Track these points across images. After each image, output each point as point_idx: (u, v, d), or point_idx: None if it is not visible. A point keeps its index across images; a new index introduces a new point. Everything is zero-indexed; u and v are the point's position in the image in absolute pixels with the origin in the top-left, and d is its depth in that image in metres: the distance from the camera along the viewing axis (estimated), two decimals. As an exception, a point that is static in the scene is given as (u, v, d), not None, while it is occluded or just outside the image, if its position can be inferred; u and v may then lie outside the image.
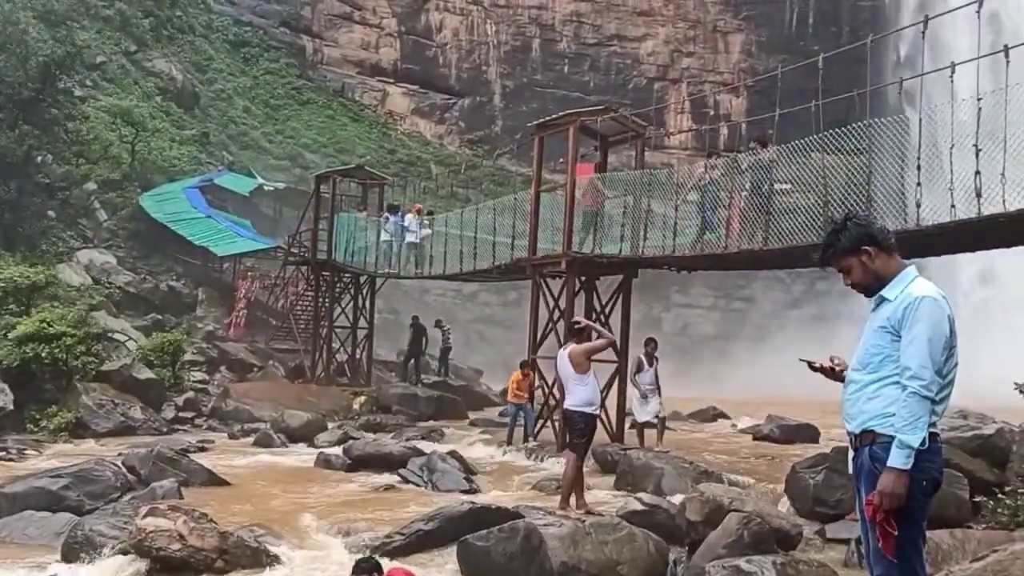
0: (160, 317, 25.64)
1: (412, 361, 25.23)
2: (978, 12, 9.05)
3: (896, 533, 3.60)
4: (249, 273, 32.09)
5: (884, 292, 3.83)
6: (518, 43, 50.46)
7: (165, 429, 17.41)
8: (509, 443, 15.96)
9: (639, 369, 14.33)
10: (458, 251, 20.65)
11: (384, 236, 22.93)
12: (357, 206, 26.85)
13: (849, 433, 3.88)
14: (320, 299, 26.82)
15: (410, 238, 21.99)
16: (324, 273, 26.69)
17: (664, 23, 50.07)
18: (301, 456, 14.99)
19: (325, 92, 48.65)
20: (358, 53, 49.71)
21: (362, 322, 26.53)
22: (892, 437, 3.63)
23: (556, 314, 16.29)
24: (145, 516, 7.52)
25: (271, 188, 37.23)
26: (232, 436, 17.61)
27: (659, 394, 14.41)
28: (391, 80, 50.03)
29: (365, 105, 49.52)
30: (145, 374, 18.42)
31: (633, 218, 15.12)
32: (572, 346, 9.36)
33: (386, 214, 23.42)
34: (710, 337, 44.51)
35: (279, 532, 8.55)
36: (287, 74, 47.91)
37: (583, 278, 16.38)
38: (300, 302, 28.99)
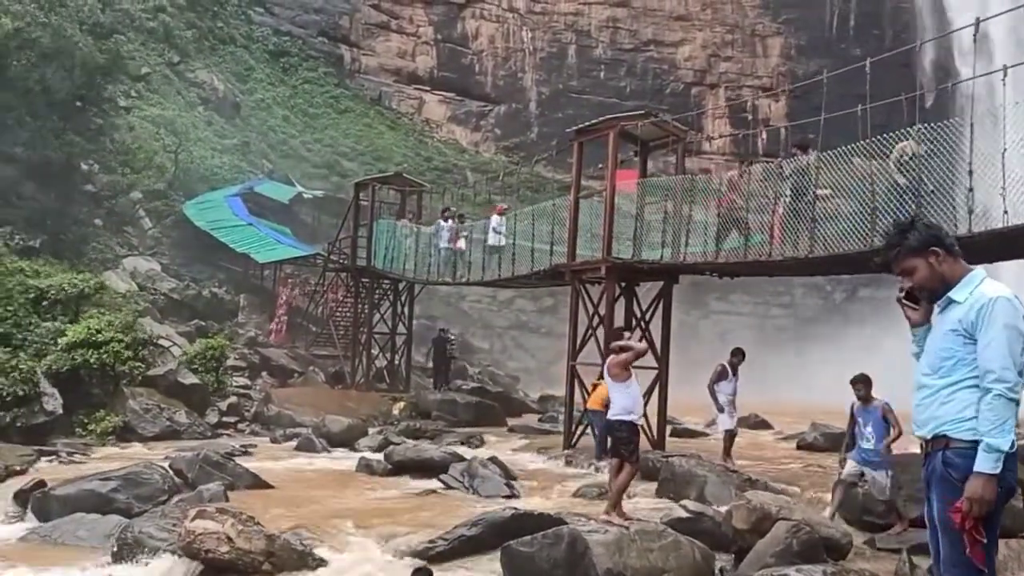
0: (203, 323, 25.98)
1: (441, 372, 25.41)
2: (1031, 13, 8.89)
3: (985, 540, 3.54)
4: (289, 280, 32.45)
5: (952, 294, 3.76)
6: (554, 49, 50.51)
7: (209, 433, 17.64)
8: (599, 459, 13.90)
9: (721, 378, 13.30)
10: (496, 257, 20.71)
11: (442, 243, 22.52)
12: (395, 213, 27.06)
13: (921, 439, 3.83)
14: (359, 305, 27.03)
15: (492, 240, 20.72)
16: (363, 280, 26.91)
17: (701, 27, 49.82)
18: (342, 461, 15.10)
19: (362, 100, 49.08)
20: (395, 61, 50.09)
21: (400, 328, 26.71)
22: (968, 442, 3.57)
23: (595, 320, 16.26)
24: (194, 519, 7.63)
25: (310, 196, 37.62)
26: (274, 440, 17.78)
27: (735, 407, 13.57)
28: (427, 88, 50.33)
29: (402, 113, 49.87)
30: (189, 379, 18.67)
31: (674, 224, 15.04)
32: (611, 357, 9.43)
33: (440, 220, 23.07)
34: (749, 344, 44.04)
35: (324, 535, 8.61)
36: (325, 83, 48.40)
37: (623, 284, 16.32)
38: (339, 308, 29.24)
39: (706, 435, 19.39)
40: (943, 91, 23.78)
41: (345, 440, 17.17)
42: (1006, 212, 8.72)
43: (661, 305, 16.38)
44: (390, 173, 31.28)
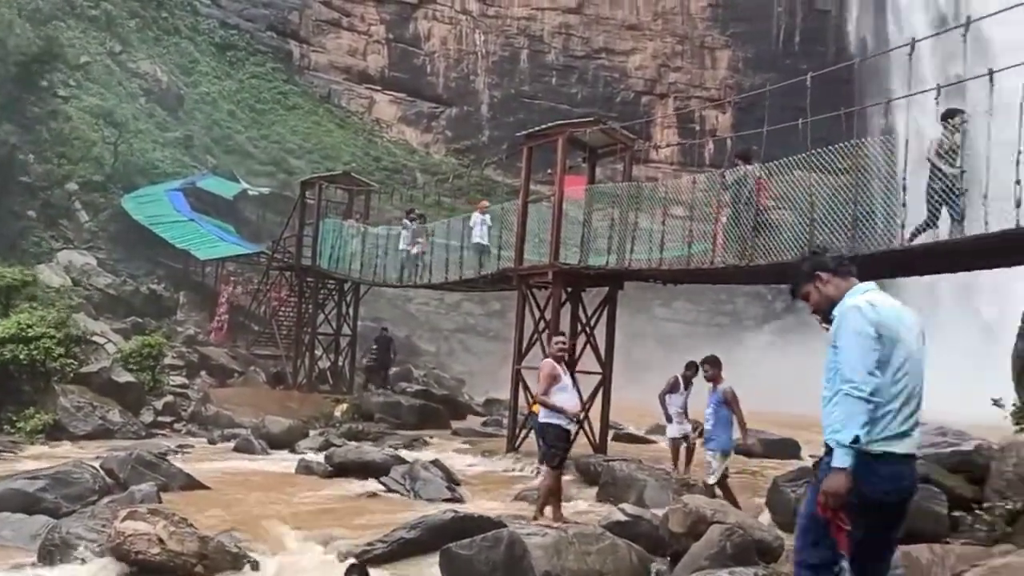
0: (140, 320, 25.46)
1: (383, 371, 25.22)
2: (964, 36, 9.17)
3: (848, 528, 3.77)
4: (232, 278, 31.98)
5: (835, 311, 4.04)
6: (506, 53, 50.63)
7: (144, 433, 17.27)
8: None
9: (672, 390, 12.99)
10: (444, 260, 20.66)
11: (402, 244, 22.00)
12: (343, 213, 26.83)
13: None
14: (303, 305, 26.74)
15: (477, 238, 19.19)
16: (308, 279, 26.63)
17: (652, 37, 50.39)
18: (282, 462, 14.91)
19: (311, 98, 48.58)
20: (345, 59, 49.70)
21: (345, 329, 26.48)
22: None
23: (541, 325, 16.31)
24: (124, 520, 7.45)
25: (255, 193, 37.10)
26: (212, 441, 17.48)
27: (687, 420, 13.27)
28: (378, 87, 50.04)
29: (351, 112, 49.49)
30: (124, 377, 18.25)
31: (620, 231, 15.17)
32: (544, 360, 9.50)
33: (405, 221, 22.63)
34: (692, 351, 44.59)
35: (259, 537, 8.49)
36: (273, 78, 47.81)
37: (569, 289, 16.41)
38: (283, 308, 28.90)
39: (648, 440, 19.57)
40: (886, 107, 24.34)
41: (285, 441, 16.96)
42: (937, 226, 8.98)
43: (606, 310, 16.50)
44: (338, 172, 31.01)
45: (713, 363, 10.09)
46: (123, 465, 11.24)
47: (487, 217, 19.28)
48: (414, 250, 21.62)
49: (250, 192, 36.94)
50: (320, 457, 14.37)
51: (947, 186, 9.20)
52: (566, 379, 9.44)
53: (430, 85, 50.54)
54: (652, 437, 19.68)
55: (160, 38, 43.69)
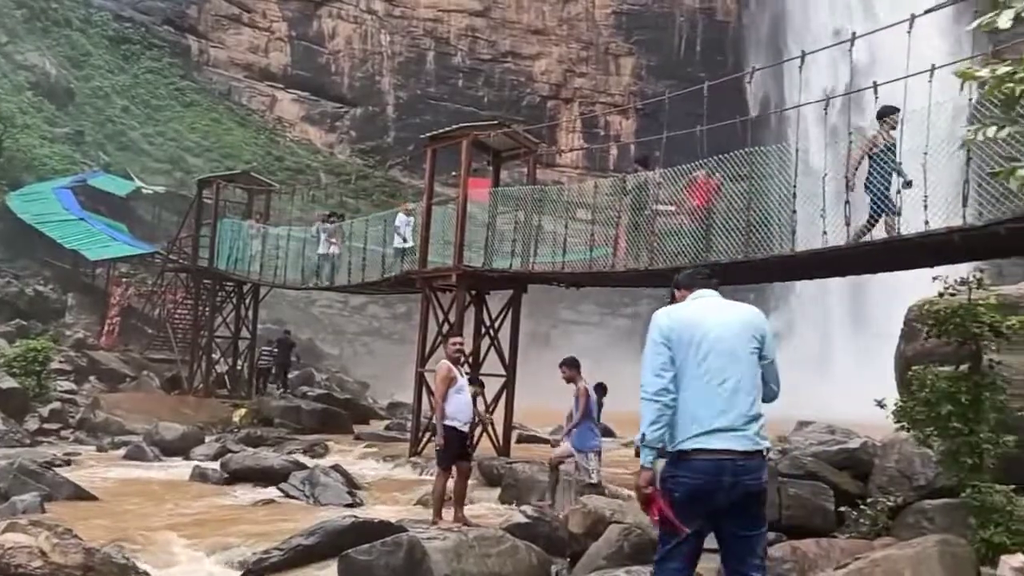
0: (25, 323, 24.34)
1: (282, 373, 24.78)
2: (850, 50, 9.58)
3: (660, 518, 4.03)
4: (124, 279, 30.84)
5: None
6: (413, 55, 50.36)
7: (28, 441, 16.43)
8: None
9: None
10: (347, 263, 20.38)
11: (320, 249, 21.06)
12: (242, 213, 26.20)
13: None
14: (200, 308, 25.98)
15: (398, 242, 18.34)
16: (205, 281, 25.91)
17: (558, 43, 50.91)
18: (176, 470, 14.45)
19: (210, 95, 47.30)
20: (246, 56, 48.59)
21: (244, 332, 25.86)
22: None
23: (445, 327, 16.26)
24: (3, 532, 7.10)
25: (150, 191, 35.90)
26: (101, 449, 16.80)
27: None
28: (280, 85, 49.09)
29: (253, 110, 48.40)
30: (7, 383, 17.38)
31: (524, 234, 15.26)
32: (441, 362, 9.51)
33: (321, 223, 21.77)
34: (598, 353, 45.25)
35: (149, 549, 8.21)
36: (170, 74, 46.36)
37: (473, 292, 16.42)
38: (178, 311, 28.03)
39: (552, 442, 19.71)
40: (781, 115, 25.25)
41: (179, 448, 16.45)
42: (825, 232, 9.35)
43: (510, 313, 16.58)
44: (237, 171, 30.26)
45: (570, 364, 10.18)
46: (4, 475, 10.71)
47: (412, 219, 18.36)
48: (330, 250, 20.87)
49: (144, 191, 35.72)
50: (216, 464, 14.00)
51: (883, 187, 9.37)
52: (462, 381, 9.44)
53: (334, 84, 49.86)
54: (557, 439, 19.84)
55: (49, 29, 41.82)
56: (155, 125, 43.31)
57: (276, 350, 24.50)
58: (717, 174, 10.58)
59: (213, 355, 25.51)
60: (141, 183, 36.05)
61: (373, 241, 19.48)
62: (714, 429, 3.94)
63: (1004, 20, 3.12)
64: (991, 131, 3.31)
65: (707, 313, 4.16)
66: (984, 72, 3.20)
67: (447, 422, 9.15)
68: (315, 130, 49.39)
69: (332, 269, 20.96)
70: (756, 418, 3.99)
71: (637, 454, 4.32)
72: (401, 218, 18.46)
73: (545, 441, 20.01)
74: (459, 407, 9.26)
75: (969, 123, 7.50)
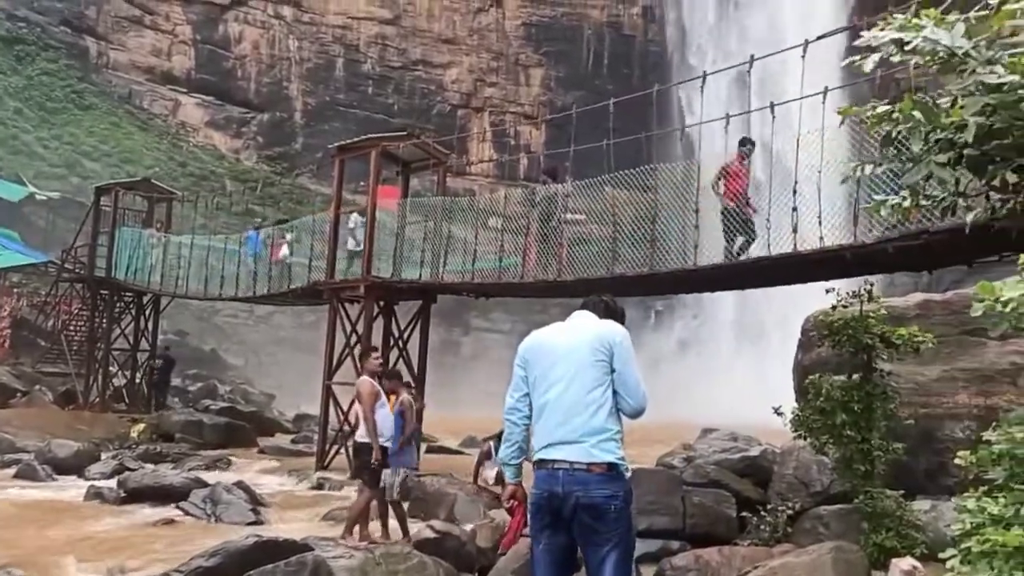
0: (-95, 336, 22.99)
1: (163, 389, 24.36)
2: (749, 72, 9.90)
3: (522, 528, 4.30)
4: (15, 290, 29.52)
5: None
6: (321, 61, 49.71)
7: (-94, 462, 15.56)
8: None
9: (487, 458, 11.80)
10: (251, 272, 19.93)
11: (246, 256, 20.08)
12: (142, 221, 25.38)
13: None
14: (97, 319, 25.03)
15: (351, 244, 17.14)
16: (102, 292, 24.98)
17: (468, 52, 51.02)
18: (70, 489, 13.85)
19: (110, 98, 45.70)
20: (148, 59, 47.14)
21: (144, 344, 25.03)
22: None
23: (354, 339, 16.07)
24: None
25: (44, 198, 34.43)
26: (-11, 469, 15.99)
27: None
28: (184, 90, 47.78)
29: (155, 114, 46.98)
30: None
31: (433, 243, 15.23)
32: (361, 379, 9.36)
33: (249, 232, 20.87)
34: (508, 361, 45.33)
35: (40, 572, 7.84)
36: (67, 76, 44.61)
37: (382, 303, 16.28)
38: (74, 322, 26.92)
39: (462, 452, 19.68)
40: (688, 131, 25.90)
41: (74, 466, 15.77)
42: (727, 246, 9.62)
43: (420, 324, 16.50)
44: (138, 177, 29.29)
45: (391, 376, 9.86)
46: None
47: (364, 220, 16.85)
48: (281, 253, 19.44)
49: (38, 196, 34.25)
50: (112, 482, 13.47)
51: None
52: (382, 396, 9.36)
53: (240, 89, 48.80)
54: (466, 450, 19.81)
55: (-66, 26, 39.81)
56: (50, 128, 41.59)
57: (160, 364, 24.12)
58: (747, 160, 10.30)
59: (111, 368, 24.60)
60: (34, 189, 34.57)
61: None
62: (553, 442, 3.98)
63: (868, 64, 3.28)
64: (868, 169, 3.47)
65: (564, 330, 4.21)
66: (865, 108, 3.36)
67: (367, 440, 9.04)
68: (220, 135, 48.24)
69: (284, 273, 19.44)
70: (600, 431, 3.93)
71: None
72: (355, 218, 17.25)
73: (456, 452, 19.96)
74: (382, 423, 9.17)
75: (854, 142, 7.86)
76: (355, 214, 17.43)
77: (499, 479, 12.72)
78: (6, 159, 37.66)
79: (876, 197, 3.69)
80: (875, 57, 3.29)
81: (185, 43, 47.86)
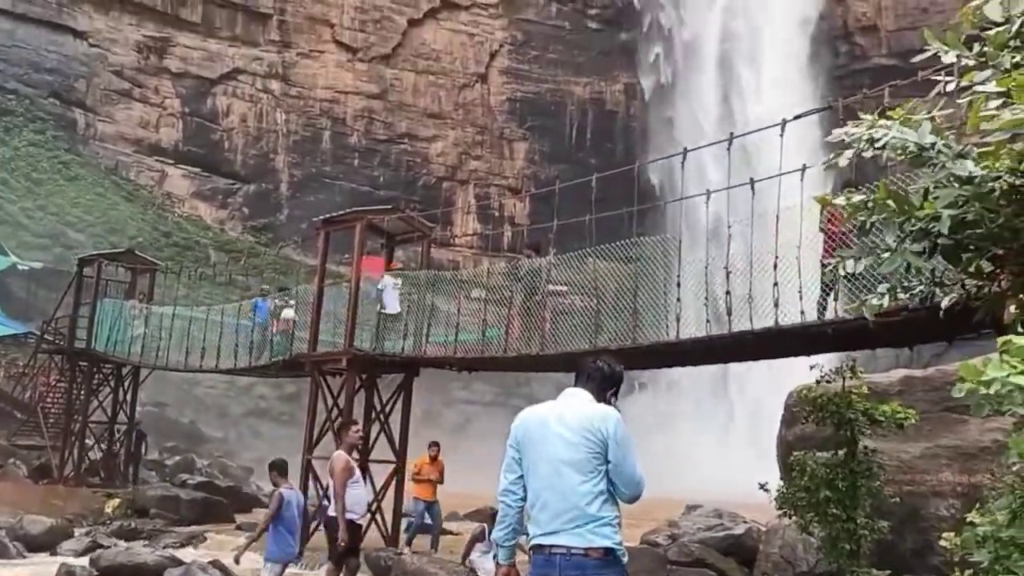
0: None
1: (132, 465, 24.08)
2: (728, 149, 10.08)
3: None
4: (-8, 360, 29.13)
5: None
6: (308, 133, 50.30)
7: None
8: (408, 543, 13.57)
9: (477, 541, 11.83)
10: (233, 343, 19.80)
11: (249, 322, 19.56)
12: (125, 291, 25.27)
13: None
14: (75, 391, 24.72)
15: (390, 307, 15.71)
16: (81, 363, 24.71)
17: (454, 126, 51.82)
18: (41, 567, 13.50)
19: (96, 169, 45.92)
20: (136, 131, 47.57)
21: (122, 416, 24.67)
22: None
23: (335, 412, 15.90)
24: None
25: (26, 268, 34.27)
26: (-43, 546, 15.54)
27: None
28: (171, 161, 48.12)
29: (141, 185, 47.19)
30: None
31: (417, 315, 15.22)
32: (336, 453, 9.28)
33: (257, 301, 20.32)
34: (490, 433, 44.96)
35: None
36: (54, 147, 44.86)
37: (364, 376, 16.16)
38: (51, 394, 26.55)
39: (446, 531, 19.30)
40: (670, 205, 26.22)
41: (46, 543, 15.43)
42: (708, 321, 9.66)
43: (402, 396, 16.36)
44: (123, 247, 29.27)
45: (276, 467, 9.50)
46: None
47: (399, 281, 16.05)
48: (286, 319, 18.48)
49: (20, 267, 34.08)
50: (85, 560, 13.14)
51: None
52: (357, 472, 9.28)
53: (227, 161, 49.20)
54: (447, 527, 19.45)
55: (-77, 97, 40.10)
56: (35, 199, 41.64)
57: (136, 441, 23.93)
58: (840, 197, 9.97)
59: (87, 441, 24.19)
60: (16, 259, 34.42)
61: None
62: (550, 530, 3.95)
63: (843, 160, 3.37)
64: (850, 265, 3.52)
65: (556, 412, 4.14)
66: (840, 200, 3.43)
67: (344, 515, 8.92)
68: (206, 206, 48.43)
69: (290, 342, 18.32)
70: (596, 519, 3.92)
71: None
72: (387, 280, 15.99)
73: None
74: (356, 499, 9.07)
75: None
76: (387, 276, 16.28)
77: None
78: (-11, 229, 37.61)
79: (860, 296, 3.75)
80: (848, 153, 3.38)
81: (174, 115, 48.37)
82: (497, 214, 49.87)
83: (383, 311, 15.83)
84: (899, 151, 3.26)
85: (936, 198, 3.15)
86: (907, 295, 3.46)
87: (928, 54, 3.46)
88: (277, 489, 9.23)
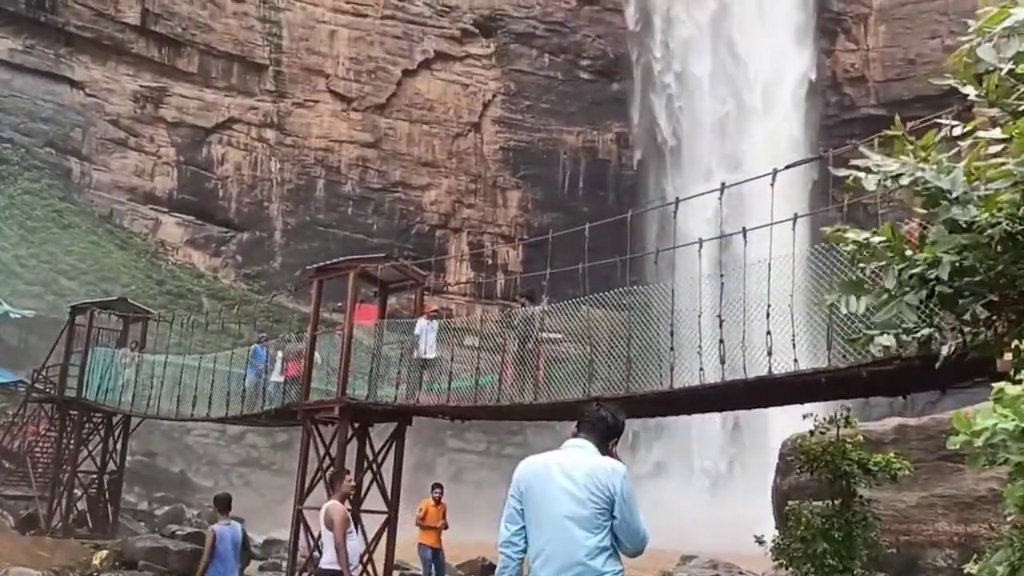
0: None
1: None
2: (720, 198, 10.18)
3: None
4: (-19, 410, 28.87)
5: None
6: (303, 182, 50.57)
7: None
8: None
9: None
10: (225, 392, 19.68)
11: (241, 370, 19.12)
12: (117, 340, 25.18)
13: None
14: (65, 440, 24.48)
15: (428, 351, 14.97)
16: (71, 412, 24.52)
17: (447, 175, 52.18)
18: (24, 623, 13.22)
19: (90, 217, 46.02)
20: (130, 179, 47.78)
21: (112, 466, 24.41)
22: None
23: (327, 461, 15.77)
24: None
25: (17, 316, 34.15)
26: (-61, 600, 15.28)
27: None
28: (165, 209, 48.28)
29: (134, 233, 47.26)
30: None
31: (410, 362, 15.17)
32: (331, 502, 9.20)
33: (259, 347, 19.64)
34: (484, 483, 44.54)
35: None
36: (49, 195, 44.99)
37: (356, 424, 16.07)
38: (40, 443, 26.28)
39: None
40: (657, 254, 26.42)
41: (31, 597, 15.11)
42: (702, 369, 9.65)
43: (395, 446, 16.26)
44: (115, 295, 29.21)
45: (217, 502, 10.23)
46: None
47: (435, 323, 15.44)
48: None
49: (12, 315, 33.96)
50: (71, 615, 12.87)
51: None
52: (352, 523, 9.23)
53: (221, 209, 49.37)
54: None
55: (-81, 146, 40.31)
56: (29, 247, 41.67)
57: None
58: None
59: (75, 491, 23.89)
60: (9, 307, 34.32)
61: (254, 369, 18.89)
62: None
63: (871, 183, 3.45)
64: (852, 304, 3.55)
65: (560, 464, 4.09)
66: (851, 235, 3.48)
67: (336, 567, 8.82)
68: (199, 254, 48.48)
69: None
70: (599, 574, 3.89)
71: None
72: (422, 324, 15.23)
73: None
74: (350, 550, 8.99)
75: (824, 269, 8.04)
76: (422, 319, 15.60)
77: None
78: (-18, 278, 37.56)
79: (865, 331, 3.78)
80: (874, 178, 3.42)
81: (168, 164, 48.65)
82: (490, 262, 50.05)
83: (422, 356, 15.05)
84: (919, 187, 3.31)
85: (935, 243, 3.19)
86: (908, 336, 3.49)
87: (943, 86, 3.49)
88: (211, 526, 9.45)
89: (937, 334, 3.76)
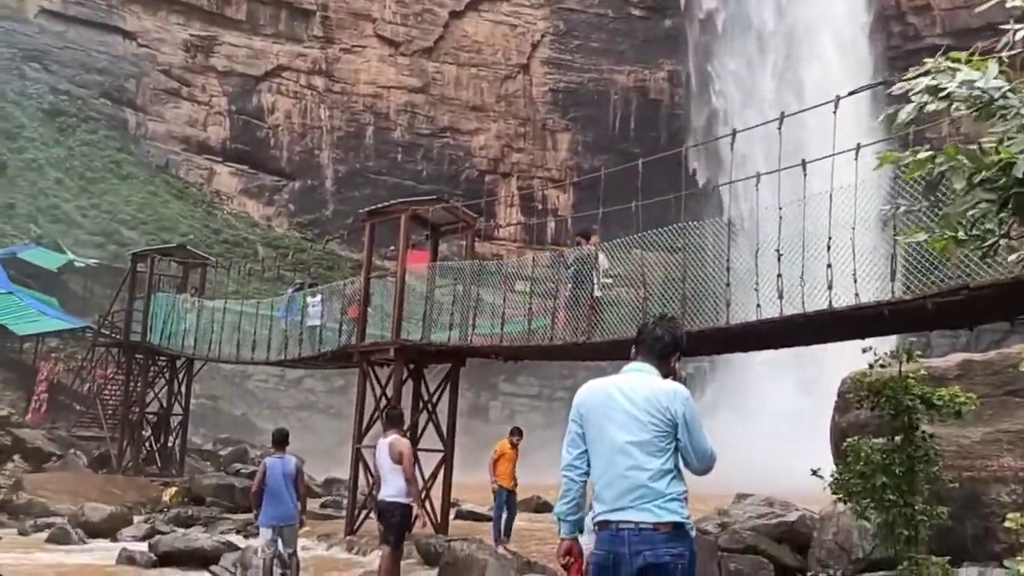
0: (-56, 400, 23.34)
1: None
2: (779, 128, 9.93)
3: None
4: (53, 354, 29.96)
5: None
6: (352, 129, 50.70)
7: (-58, 526, 15.67)
8: (497, 540, 13.21)
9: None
10: (283, 336, 20.04)
11: (313, 320, 18.79)
12: (177, 286, 25.78)
13: None
14: (132, 383, 25.27)
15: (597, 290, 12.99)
16: (137, 356, 25.25)
17: (496, 119, 51.81)
18: (101, 553, 13.88)
19: (147, 167, 46.86)
20: (184, 129, 48.41)
21: (176, 408, 25.17)
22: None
23: (383, 402, 16.03)
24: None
25: (82, 265, 35.10)
26: (23, 532, 16.05)
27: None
28: (219, 159, 48.91)
29: (190, 183, 48.03)
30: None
31: (463, 306, 15.25)
32: (394, 437, 9.34)
33: (304, 296, 19.60)
34: (536, 426, 44.97)
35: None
36: (106, 147, 45.85)
37: (411, 366, 16.27)
38: (109, 386, 27.19)
39: (489, 519, 19.37)
40: (715, 191, 26.00)
41: (106, 530, 15.83)
42: (759, 305, 9.53)
43: (449, 387, 16.44)
44: (173, 244, 29.83)
45: (273, 436, 10.54)
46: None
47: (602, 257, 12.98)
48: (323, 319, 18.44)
49: (77, 264, 34.92)
50: (144, 546, 13.47)
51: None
52: None
53: (273, 158, 49.84)
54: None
55: (-19, 101, 41.27)
56: (89, 198, 42.62)
57: None
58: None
59: (144, 432, 24.73)
60: (73, 256, 35.29)
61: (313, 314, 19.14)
62: (617, 507, 3.91)
63: (904, 114, 3.25)
64: (920, 236, 3.40)
65: (620, 388, 4.04)
66: (906, 155, 3.33)
67: (402, 500, 9.03)
68: (253, 203, 49.14)
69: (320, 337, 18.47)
70: (664, 495, 3.88)
71: None
72: (602, 260, 12.69)
73: (484, 517, 19.65)
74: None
75: (889, 199, 7.80)
76: (588, 246, 12.94)
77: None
78: (46, 227, 38.57)
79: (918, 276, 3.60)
80: (909, 108, 3.24)
81: (220, 114, 49.11)
82: (540, 206, 49.82)
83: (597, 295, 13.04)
84: (967, 102, 3.13)
85: (1010, 144, 3.01)
86: (970, 239, 3.27)
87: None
88: (264, 459, 9.77)
89: (1005, 241, 3.50)
